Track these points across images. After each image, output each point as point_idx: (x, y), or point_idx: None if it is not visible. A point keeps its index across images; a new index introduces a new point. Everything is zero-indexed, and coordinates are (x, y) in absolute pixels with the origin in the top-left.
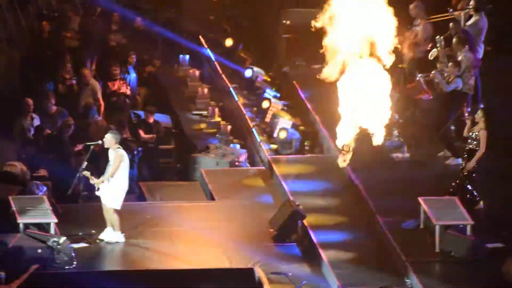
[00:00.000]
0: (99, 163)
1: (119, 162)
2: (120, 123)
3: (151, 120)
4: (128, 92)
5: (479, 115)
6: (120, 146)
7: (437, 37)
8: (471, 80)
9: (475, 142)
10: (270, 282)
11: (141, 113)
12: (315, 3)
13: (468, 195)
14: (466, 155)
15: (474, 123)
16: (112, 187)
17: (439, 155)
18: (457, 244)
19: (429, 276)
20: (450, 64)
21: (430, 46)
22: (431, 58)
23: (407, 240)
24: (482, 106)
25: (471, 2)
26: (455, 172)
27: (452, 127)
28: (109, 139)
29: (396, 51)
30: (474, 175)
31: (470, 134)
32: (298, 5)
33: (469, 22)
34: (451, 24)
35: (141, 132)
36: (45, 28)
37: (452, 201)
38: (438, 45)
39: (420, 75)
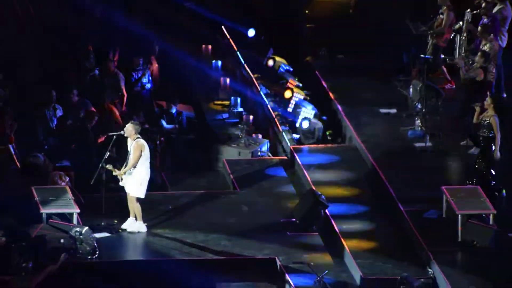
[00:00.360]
0: (121, 153)
1: (139, 151)
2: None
3: (173, 111)
4: (151, 82)
5: (488, 101)
6: (140, 136)
7: (467, 10)
8: (494, 69)
9: (485, 130)
10: (292, 271)
11: (164, 103)
12: None
13: (490, 184)
14: (482, 143)
15: (483, 110)
16: (135, 177)
17: (462, 144)
18: (479, 234)
19: (451, 266)
20: (479, 53)
21: (453, 35)
22: (455, 28)
23: (429, 230)
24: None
25: None
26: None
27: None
28: (130, 129)
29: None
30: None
31: (481, 121)
32: None
33: (494, 10)
34: (483, 3)
35: (164, 122)
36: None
37: (474, 190)
38: (465, 17)
39: (444, 57)
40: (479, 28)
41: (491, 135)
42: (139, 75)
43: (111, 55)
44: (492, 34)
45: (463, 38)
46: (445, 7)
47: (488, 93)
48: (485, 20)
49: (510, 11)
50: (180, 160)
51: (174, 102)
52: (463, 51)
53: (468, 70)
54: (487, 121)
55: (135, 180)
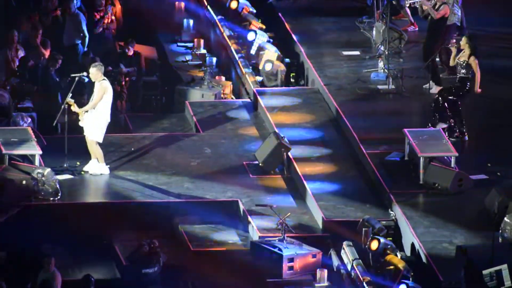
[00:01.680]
0: (83, 94)
1: (102, 93)
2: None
3: (130, 53)
4: (114, 23)
5: (463, 41)
6: (105, 78)
7: None
8: (459, 11)
9: (463, 70)
10: (254, 213)
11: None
12: None
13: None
14: (458, 84)
15: (459, 51)
16: (94, 119)
17: (425, 87)
18: (441, 176)
19: (413, 208)
20: None
21: None
22: None
23: (392, 172)
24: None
25: None
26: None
27: (437, 58)
28: (94, 72)
29: None
30: (459, 107)
31: (458, 61)
32: None
33: None
34: None
35: (122, 66)
36: None
37: (437, 132)
38: None
39: (408, 2)
40: None
41: (470, 75)
42: (102, 15)
43: None
44: None
45: None
46: None
47: (462, 33)
48: None
49: None
50: (142, 102)
51: (130, 43)
52: None
53: (438, 10)
54: (466, 62)
55: (94, 124)
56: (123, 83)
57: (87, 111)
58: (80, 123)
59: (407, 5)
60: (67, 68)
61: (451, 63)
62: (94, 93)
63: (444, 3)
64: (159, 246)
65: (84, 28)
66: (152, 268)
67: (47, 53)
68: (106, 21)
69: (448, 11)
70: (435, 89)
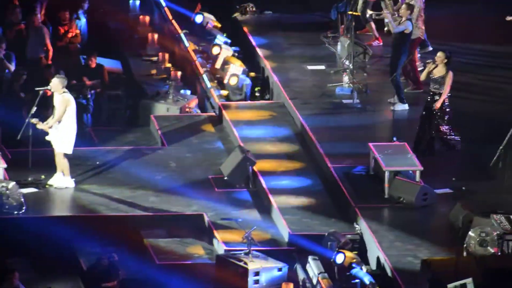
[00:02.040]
0: (48, 108)
1: (65, 106)
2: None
3: (93, 65)
4: (78, 37)
5: (440, 56)
6: (66, 91)
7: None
8: (423, 25)
9: (436, 85)
10: (220, 227)
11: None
12: None
13: (446, 136)
14: (429, 99)
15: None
16: (61, 132)
17: (389, 101)
18: (406, 190)
19: (378, 221)
20: (403, 6)
21: None
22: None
23: (357, 186)
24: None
25: None
26: (403, 117)
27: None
28: (56, 84)
29: None
30: (447, 116)
31: (433, 76)
32: None
33: None
34: None
35: (85, 78)
36: None
37: (401, 147)
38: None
39: (371, 12)
40: None
41: (441, 91)
42: (66, 30)
43: (37, 9)
44: None
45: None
46: None
47: (425, 47)
48: None
49: None
50: (107, 115)
51: (92, 55)
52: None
53: (400, 24)
54: (440, 76)
55: (62, 135)
56: (89, 96)
57: (51, 127)
58: (47, 138)
59: (373, 17)
60: (30, 82)
61: (422, 77)
62: (56, 107)
63: (408, 19)
64: (118, 260)
65: (48, 41)
66: (111, 282)
67: (11, 67)
68: (70, 35)
69: (410, 28)
70: (399, 105)
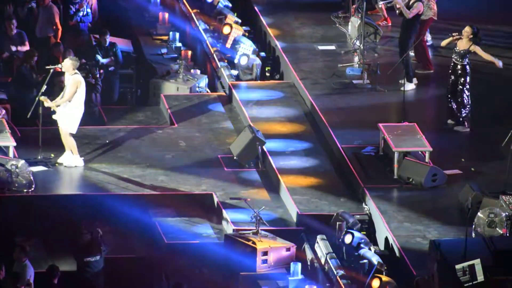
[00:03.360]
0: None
1: (75, 87)
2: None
3: (106, 43)
4: (90, 16)
5: (467, 31)
6: (77, 72)
7: None
8: (435, 5)
9: (459, 58)
10: (229, 206)
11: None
12: None
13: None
14: (451, 70)
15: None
16: (69, 112)
17: (400, 81)
18: (415, 171)
19: (386, 202)
20: None
21: None
22: None
23: (366, 166)
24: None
25: None
26: (413, 98)
27: (412, 53)
28: (68, 64)
29: None
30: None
31: (455, 49)
32: None
33: None
34: None
35: (99, 57)
36: None
37: (411, 127)
38: None
39: (382, 2)
40: None
41: (460, 63)
42: (77, 8)
43: None
44: None
45: None
46: None
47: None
48: None
49: None
50: (118, 94)
51: (105, 34)
52: None
53: (410, 7)
54: (464, 50)
55: (68, 115)
56: (98, 75)
57: (59, 106)
58: (54, 116)
59: (380, 5)
60: (40, 61)
61: (443, 44)
62: (67, 86)
63: (418, 0)
64: (102, 235)
65: (57, 20)
66: (93, 257)
67: (23, 46)
68: (81, 14)
69: (421, 9)
70: (408, 85)
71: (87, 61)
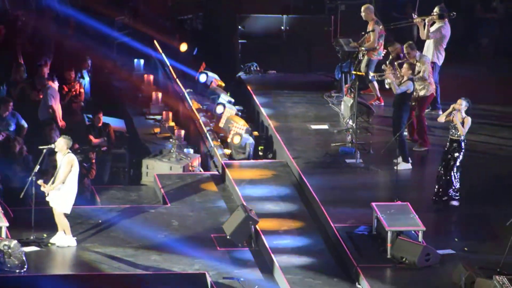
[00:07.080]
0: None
1: (70, 166)
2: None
3: (99, 124)
4: (82, 96)
5: (460, 104)
6: (70, 151)
7: (383, 66)
8: (432, 84)
9: (453, 131)
10: (222, 286)
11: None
12: (272, 9)
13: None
14: (448, 144)
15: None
16: (62, 192)
17: (394, 161)
18: (408, 250)
19: (380, 282)
20: (404, 65)
21: (385, 51)
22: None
23: (359, 246)
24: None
25: (435, 9)
26: (406, 177)
27: (405, 132)
28: (61, 144)
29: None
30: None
31: (451, 123)
32: (255, 11)
33: (432, 29)
34: (389, 47)
35: (91, 137)
36: (1, 32)
37: (404, 207)
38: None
39: (373, 74)
40: (404, 65)
41: (461, 137)
42: (69, 89)
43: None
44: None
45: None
46: (371, 21)
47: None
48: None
49: (448, 30)
50: (110, 174)
51: (97, 113)
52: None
53: (401, 85)
54: (459, 123)
55: (62, 195)
56: (93, 160)
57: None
58: (47, 198)
59: (375, 78)
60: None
61: (441, 119)
62: (61, 167)
63: (410, 79)
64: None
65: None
66: None
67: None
68: (73, 93)
69: (411, 88)
70: (404, 165)
71: (80, 144)
